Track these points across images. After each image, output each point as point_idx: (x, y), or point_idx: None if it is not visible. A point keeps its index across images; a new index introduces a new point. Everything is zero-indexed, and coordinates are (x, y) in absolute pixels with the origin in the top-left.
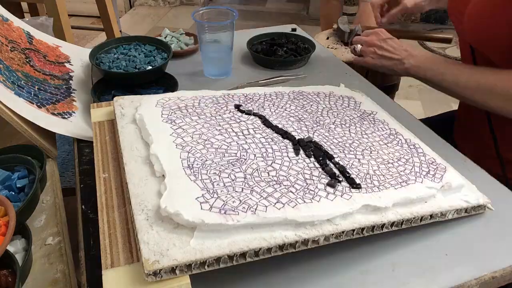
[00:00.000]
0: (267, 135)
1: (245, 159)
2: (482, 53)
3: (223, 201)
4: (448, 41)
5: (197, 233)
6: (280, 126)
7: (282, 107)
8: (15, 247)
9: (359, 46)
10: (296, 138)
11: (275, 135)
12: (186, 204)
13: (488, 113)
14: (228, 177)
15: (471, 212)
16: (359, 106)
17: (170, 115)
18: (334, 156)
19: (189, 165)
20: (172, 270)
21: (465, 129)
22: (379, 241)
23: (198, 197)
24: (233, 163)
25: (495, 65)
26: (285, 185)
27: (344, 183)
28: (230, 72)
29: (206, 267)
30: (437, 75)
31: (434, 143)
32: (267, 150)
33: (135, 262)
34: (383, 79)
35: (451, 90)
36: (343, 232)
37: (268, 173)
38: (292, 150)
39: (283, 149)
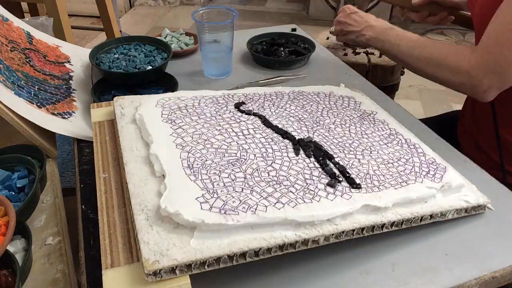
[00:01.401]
0: (267, 135)
1: (245, 159)
2: None
3: (223, 201)
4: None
5: (197, 233)
6: (280, 126)
7: (282, 107)
8: (15, 247)
9: (333, 27)
10: (296, 138)
11: (275, 135)
12: (186, 204)
13: (494, 114)
14: (228, 177)
15: (471, 212)
16: (359, 106)
17: (170, 115)
18: (334, 156)
19: (189, 165)
20: (172, 270)
21: (469, 128)
22: (379, 241)
23: (198, 197)
24: (233, 163)
25: None
26: (285, 185)
27: (344, 183)
28: (230, 72)
29: (206, 267)
30: (394, 47)
31: (434, 143)
32: (267, 150)
33: (135, 262)
34: (383, 79)
35: (405, 61)
36: (343, 232)
37: (268, 173)
38: (292, 150)
39: (283, 149)
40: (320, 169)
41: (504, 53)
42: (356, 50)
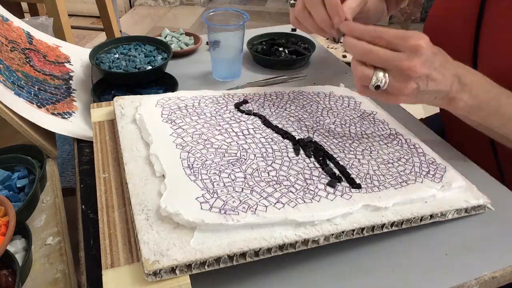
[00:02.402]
0: (267, 135)
1: (245, 159)
2: None
3: (223, 201)
4: None
5: (197, 233)
6: (280, 126)
7: (282, 107)
8: (15, 247)
9: (380, 75)
10: (296, 138)
11: (275, 135)
12: (186, 204)
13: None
14: (228, 177)
15: (471, 212)
16: (359, 106)
17: (170, 115)
18: (334, 156)
19: (189, 165)
20: (172, 270)
21: (457, 133)
22: (379, 241)
23: (198, 197)
24: (233, 163)
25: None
26: (285, 185)
27: (344, 183)
28: (240, 75)
29: (206, 267)
30: (500, 127)
31: (434, 143)
32: (267, 150)
33: (135, 262)
34: None
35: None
36: (343, 232)
37: (268, 173)
38: (292, 150)
39: (283, 149)
40: (320, 169)
41: None
42: None
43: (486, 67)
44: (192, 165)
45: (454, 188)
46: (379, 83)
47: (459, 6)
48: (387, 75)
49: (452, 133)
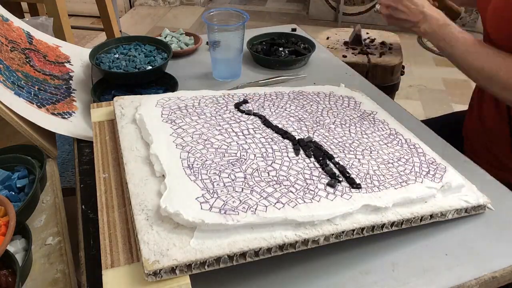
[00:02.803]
0: (267, 135)
1: (245, 159)
2: (503, 48)
3: (223, 201)
4: (457, 14)
5: (197, 233)
6: (280, 126)
7: (282, 107)
8: (15, 247)
9: (378, 6)
10: (296, 138)
11: (275, 135)
12: (186, 204)
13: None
14: (228, 177)
15: (471, 212)
16: (359, 106)
17: (170, 115)
18: (334, 156)
19: (189, 165)
20: (172, 270)
21: (479, 126)
22: (379, 241)
23: (198, 197)
24: (233, 163)
25: None
26: (285, 185)
27: (344, 183)
28: (240, 75)
29: (206, 267)
30: (447, 47)
31: (434, 143)
32: (267, 150)
33: (135, 262)
34: (383, 79)
35: (458, 65)
36: (343, 232)
37: (268, 173)
38: (292, 150)
39: (283, 149)
40: (320, 169)
41: None
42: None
43: None
44: (192, 165)
45: (454, 188)
46: (377, 7)
47: None
48: (378, 6)
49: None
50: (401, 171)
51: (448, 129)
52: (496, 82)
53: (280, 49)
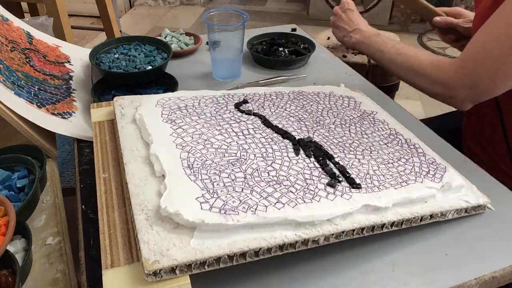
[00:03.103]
0: (267, 135)
1: (245, 159)
2: None
3: (223, 201)
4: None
5: (197, 233)
6: (280, 126)
7: (282, 107)
8: (15, 247)
9: (332, 18)
10: (296, 138)
11: (275, 135)
12: (186, 204)
13: (501, 116)
14: (228, 177)
15: (471, 212)
16: (359, 106)
17: (170, 115)
18: (334, 156)
19: (189, 165)
20: (172, 270)
21: (475, 128)
22: (379, 241)
23: (198, 197)
24: (233, 163)
25: None
26: (285, 185)
27: (344, 183)
28: (240, 75)
29: (206, 267)
30: (377, 52)
31: (434, 143)
32: (267, 150)
33: (135, 262)
34: (383, 79)
35: (388, 67)
36: (343, 232)
37: (268, 173)
38: (292, 150)
39: (283, 149)
40: (320, 169)
41: (477, 69)
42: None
43: None
44: (192, 165)
45: (454, 188)
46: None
47: None
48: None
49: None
50: (401, 171)
51: (448, 128)
52: (424, 77)
53: (280, 49)
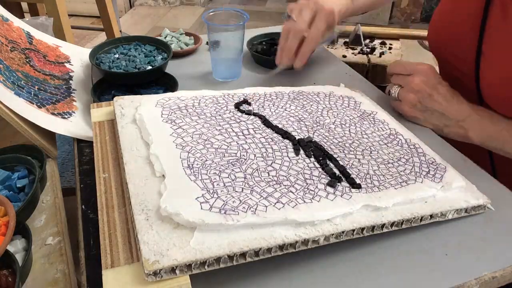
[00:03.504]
0: (267, 135)
1: (245, 159)
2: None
3: (223, 201)
4: None
5: (197, 233)
6: (280, 126)
7: (282, 107)
8: (15, 247)
9: (395, 88)
10: (296, 138)
11: (275, 135)
12: (186, 204)
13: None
14: (228, 177)
15: (471, 212)
16: (359, 106)
17: (170, 115)
18: (334, 156)
19: (189, 165)
20: (172, 270)
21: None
22: (379, 241)
23: (198, 197)
24: (233, 163)
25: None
26: (285, 185)
27: (344, 183)
28: (240, 75)
29: (206, 267)
30: (505, 148)
31: (434, 143)
32: (267, 150)
33: (135, 262)
34: (383, 79)
35: None
36: (343, 232)
37: (268, 173)
38: (292, 150)
39: (283, 149)
40: (320, 169)
41: None
42: (356, 51)
43: (488, 70)
44: (192, 165)
45: (454, 188)
46: (392, 93)
47: (464, 11)
48: (398, 88)
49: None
50: (401, 171)
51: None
52: None
53: None
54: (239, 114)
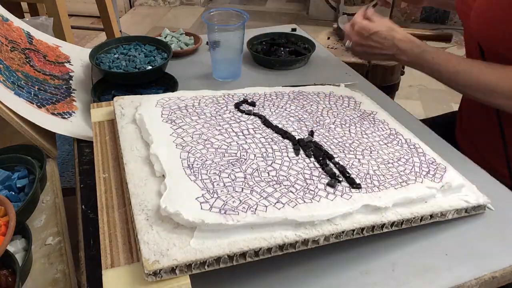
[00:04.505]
0: (267, 135)
1: (245, 159)
2: (491, 50)
3: (223, 201)
4: (448, 38)
5: (197, 233)
6: (280, 126)
7: (282, 107)
8: (15, 247)
9: (348, 43)
10: (296, 138)
11: (275, 135)
12: (186, 204)
13: (498, 114)
14: (228, 177)
15: (471, 212)
16: (359, 106)
17: (170, 115)
18: (334, 156)
19: (189, 165)
20: (172, 270)
21: (469, 131)
22: (379, 241)
23: (198, 197)
24: (233, 163)
25: (506, 61)
26: (285, 185)
27: (344, 183)
28: (240, 75)
29: (206, 267)
30: (434, 72)
31: (434, 143)
32: (267, 150)
33: (135, 262)
34: (383, 79)
35: (450, 86)
36: (343, 232)
37: (268, 173)
38: (292, 150)
39: (283, 149)
40: (320, 169)
41: None
42: None
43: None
44: (192, 165)
45: (454, 188)
46: (347, 45)
47: None
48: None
49: (465, 132)
50: (401, 171)
51: (448, 128)
52: (498, 94)
53: (280, 49)
54: (239, 114)
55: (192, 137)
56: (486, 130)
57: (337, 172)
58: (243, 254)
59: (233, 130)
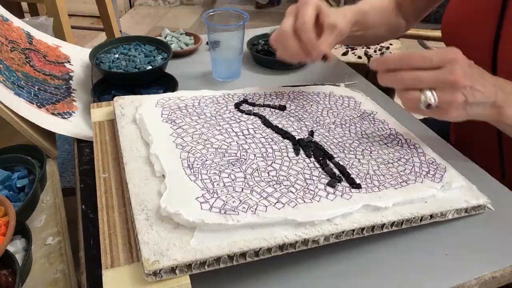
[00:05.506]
0: (267, 135)
1: (245, 159)
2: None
3: (223, 201)
4: None
5: (197, 233)
6: (280, 126)
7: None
8: (15, 247)
9: (428, 94)
10: (296, 138)
11: (275, 135)
12: (186, 204)
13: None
14: (228, 177)
15: (471, 212)
16: (359, 106)
17: (170, 115)
18: (334, 156)
19: (189, 165)
20: (172, 270)
21: (463, 130)
22: (379, 241)
23: (198, 197)
24: (233, 163)
25: None
26: (285, 185)
27: (344, 183)
28: (240, 75)
29: (206, 267)
30: None
31: (434, 143)
32: (267, 150)
33: (135, 262)
34: None
35: None
36: (343, 232)
37: (268, 173)
38: (292, 150)
39: (283, 149)
40: (320, 169)
41: None
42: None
43: (505, 74)
44: (192, 165)
45: (454, 188)
46: (429, 102)
47: (478, 10)
48: (434, 92)
49: (458, 130)
50: (401, 171)
51: (448, 128)
52: None
53: None
54: (239, 114)
55: (192, 137)
56: (482, 128)
57: (337, 172)
58: (243, 254)
59: (233, 130)
